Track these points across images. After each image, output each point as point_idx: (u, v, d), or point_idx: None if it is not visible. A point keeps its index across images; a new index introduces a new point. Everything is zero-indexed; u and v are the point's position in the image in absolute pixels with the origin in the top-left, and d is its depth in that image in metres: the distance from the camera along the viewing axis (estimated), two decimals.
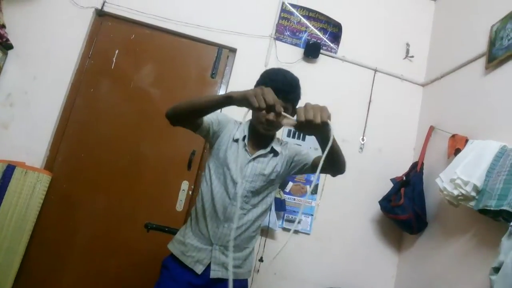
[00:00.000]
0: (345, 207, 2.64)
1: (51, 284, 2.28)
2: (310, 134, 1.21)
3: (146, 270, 2.32)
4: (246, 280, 1.65)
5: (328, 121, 1.09)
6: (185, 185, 2.44)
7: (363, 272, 2.58)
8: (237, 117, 1.62)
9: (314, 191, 2.60)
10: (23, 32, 2.40)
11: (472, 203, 1.83)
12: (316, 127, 1.10)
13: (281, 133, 2.55)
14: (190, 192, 2.44)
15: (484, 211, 1.74)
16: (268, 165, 1.58)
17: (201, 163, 2.48)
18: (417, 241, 2.46)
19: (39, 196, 2.23)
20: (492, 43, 2.15)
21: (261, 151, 1.58)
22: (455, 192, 1.89)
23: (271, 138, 1.62)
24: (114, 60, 2.53)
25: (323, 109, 1.10)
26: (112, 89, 2.51)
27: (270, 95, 1.11)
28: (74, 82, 2.48)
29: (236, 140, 1.57)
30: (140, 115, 2.49)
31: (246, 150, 1.57)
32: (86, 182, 2.39)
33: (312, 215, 2.57)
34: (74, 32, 2.50)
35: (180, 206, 2.41)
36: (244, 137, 1.58)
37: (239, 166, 1.54)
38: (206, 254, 1.53)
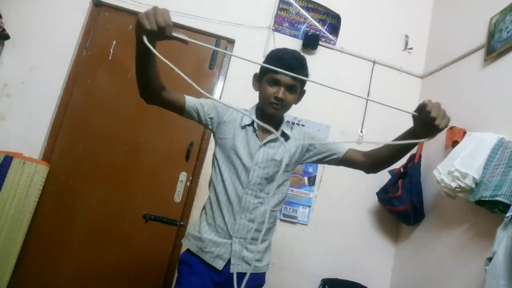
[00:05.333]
0: (342, 198, 2.64)
1: (49, 274, 2.28)
2: (418, 128, 1.23)
3: (144, 260, 2.33)
4: (264, 274, 1.59)
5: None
6: (183, 176, 2.44)
7: (360, 263, 2.60)
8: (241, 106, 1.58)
9: (312, 182, 2.61)
10: (19, 22, 2.37)
11: (470, 195, 1.84)
12: (430, 128, 1.15)
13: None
14: (189, 183, 2.44)
15: (480, 203, 1.75)
16: (280, 149, 1.51)
17: (199, 154, 2.48)
18: (414, 232, 2.48)
19: (37, 187, 2.23)
20: (491, 35, 2.14)
21: (272, 136, 1.51)
22: (453, 184, 1.90)
23: (280, 121, 1.56)
24: (112, 51, 2.51)
25: (446, 116, 1.15)
26: (110, 80, 2.49)
27: (161, 17, 1.02)
28: (71, 73, 2.46)
29: (244, 127, 1.52)
30: (138, 106, 2.46)
31: (256, 135, 1.51)
32: (84, 173, 2.39)
33: (309, 206, 2.58)
34: (71, 23, 2.48)
35: (178, 197, 2.41)
36: (253, 122, 1.51)
37: (250, 152, 1.48)
38: (226, 248, 1.46)
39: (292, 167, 1.59)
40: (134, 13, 2.56)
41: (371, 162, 1.56)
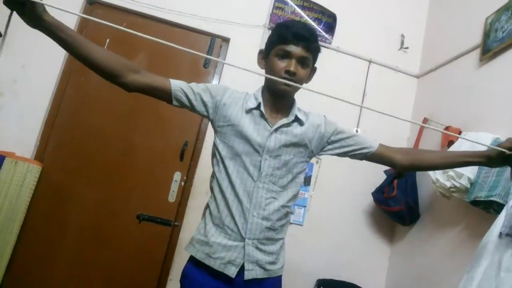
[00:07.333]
0: (338, 198, 2.64)
1: (42, 274, 2.26)
2: (498, 160, 1.23)
3: (138, 260, 2.32)
4: (280, 277, 1.46)
5: None
6: (177, 176, 2.42)
7: (355, 263, 2.59)
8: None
9: (307, 182, 2.60)
10: (11, 20, 2.34)
11: (465, 195, 1.83)
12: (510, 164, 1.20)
13: None
14: (183, 183, 2.42)
15: (475, 203, 1.75)
16: (294, 134, 1.37)
17: (193, 154, 2.46)
18: (410, 232, 2.48)
19: (29, 186, 2.20)
20: (486, 35, 2.13)
21: (284, 120, 1.36)
22: (448, 184, 1.90)
23: (291, 104, 1.41)
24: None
25: None
26: (103, 79, 2.46)
27: None
28: (64, 71, 2.43)
29: (250, 111, 1.35)
30: (132, 105, 2.45)
31: (265, 120, 1.35)
32: (77, 173, 2.36)
33: (305, 206, 2.57)
34: (64, 21, 2.36)
35: (172, 197, 2.39)
36: (259, 104, 1.35)
37: (260, 139, 1.33)
38: (238, 252, 1.30)
39: (307, 157, 1.43)
40: (128, 11, 2.54)
41: (411, 163, 1.47)
